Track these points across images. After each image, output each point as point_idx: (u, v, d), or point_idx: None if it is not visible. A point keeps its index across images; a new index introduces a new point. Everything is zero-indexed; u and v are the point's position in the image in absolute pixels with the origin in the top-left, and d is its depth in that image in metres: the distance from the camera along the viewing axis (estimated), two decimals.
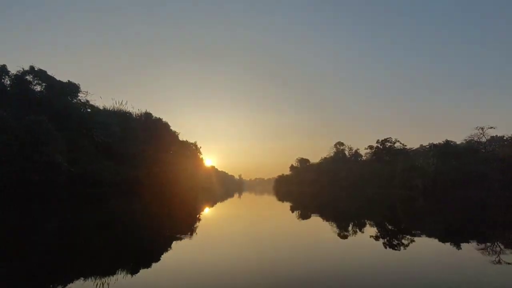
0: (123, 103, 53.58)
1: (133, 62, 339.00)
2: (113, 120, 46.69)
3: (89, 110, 43.07)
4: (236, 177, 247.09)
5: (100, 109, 46.55)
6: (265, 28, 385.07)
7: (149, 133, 51.79)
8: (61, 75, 71.59)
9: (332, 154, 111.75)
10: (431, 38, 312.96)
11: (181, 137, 66.40)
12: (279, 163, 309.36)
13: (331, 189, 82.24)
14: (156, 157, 48.98)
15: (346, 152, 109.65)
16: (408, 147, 67.32)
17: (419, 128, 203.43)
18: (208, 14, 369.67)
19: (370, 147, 71.23)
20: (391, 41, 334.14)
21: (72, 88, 41.01)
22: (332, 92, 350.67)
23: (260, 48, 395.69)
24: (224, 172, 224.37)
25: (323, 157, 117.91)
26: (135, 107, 64.40)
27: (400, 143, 66.76)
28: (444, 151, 54.63)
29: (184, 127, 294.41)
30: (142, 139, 49.46)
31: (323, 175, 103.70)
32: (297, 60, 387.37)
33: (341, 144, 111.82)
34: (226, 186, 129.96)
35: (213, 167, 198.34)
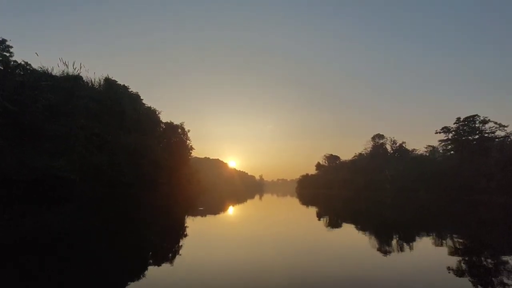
0: (75, 65, 37.22)
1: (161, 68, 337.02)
2: (42, 84, 30.30)
3: None
4: (257, 177, 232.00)
5: (18, 64, 30.17)
6: (284, 31, 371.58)
7: (106, 106, 34.82)
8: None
9: (369, 150, 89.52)
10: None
11: (166, 119, 49.05)
12: (303, 163, 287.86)
13: (369, 192, 66.01)
14: (110, 140, 31.81)
15: (388, 146, 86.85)
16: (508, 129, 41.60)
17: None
18: (231, 17, 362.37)
19: (445, 129, 47.34)
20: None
21: None
22: (359, 90, 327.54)
23: (279, 50, 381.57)
24: (245, 172, 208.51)
25: (356, 153, 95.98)
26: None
27: (495, 123, 42.43)
28: None
29: (204, 127, 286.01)
30: (92, 114, 32.61)
31: (358, 174, 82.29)
32: (318, 59, 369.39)
33: (381, 136, 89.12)
34: (246, 187, 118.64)
35: (234, 169, 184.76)
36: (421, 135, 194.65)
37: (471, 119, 44.07)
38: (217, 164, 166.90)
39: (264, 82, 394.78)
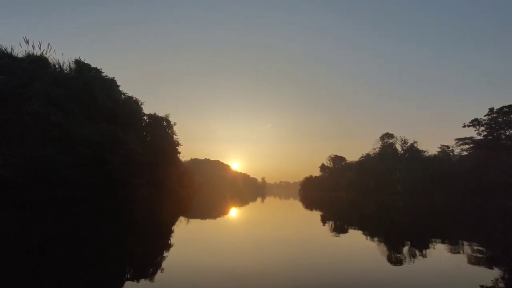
0: (42, 46, 32.25)
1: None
2: None
3: None
4: (259, 180, 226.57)
5: None
6: (287, 31, 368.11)
7: (72, 92, 29.71)
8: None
9: (377, 150, 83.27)
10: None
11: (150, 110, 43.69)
12: (306, 166, 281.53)
13: (379, 195, 61.71)
14: (71, 131, 26.61)
15: (398, 146, 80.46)
16: None
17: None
18: (232, 18, 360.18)
19: (475, 122, 40.60)
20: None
21: None
22: (363, 91, 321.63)
23: (282, 51, 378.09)
24: (247, 174, 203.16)
25: (364, 154, 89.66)
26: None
27: None
28: None
29: (205, 128, 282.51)
30: (54, 100, 27.51)
31: (366, 176, 76.34)
32: (320, 60, 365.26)
33: (390, 136, 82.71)
34: (248, 189, 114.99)
35: (236, 171, 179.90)
36: (424, 137, 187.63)
37: (507, 109, 37.37)
38: (218, 166, 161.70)
39: (266, 83, 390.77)
